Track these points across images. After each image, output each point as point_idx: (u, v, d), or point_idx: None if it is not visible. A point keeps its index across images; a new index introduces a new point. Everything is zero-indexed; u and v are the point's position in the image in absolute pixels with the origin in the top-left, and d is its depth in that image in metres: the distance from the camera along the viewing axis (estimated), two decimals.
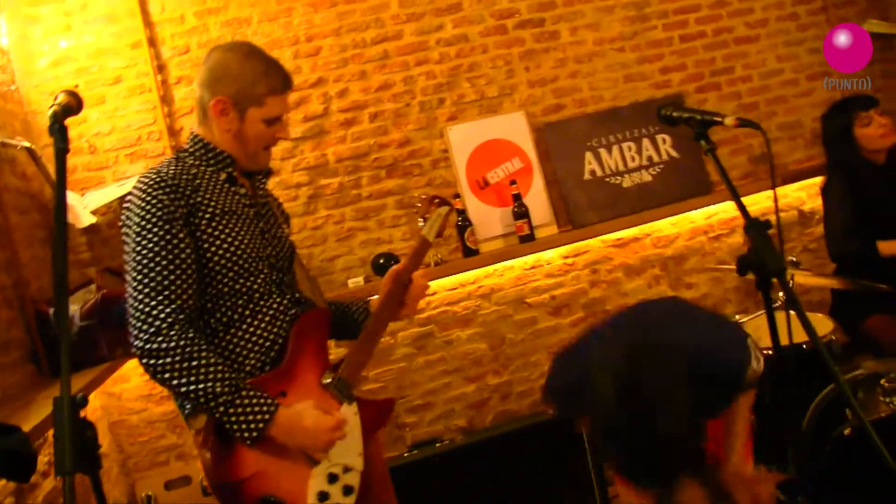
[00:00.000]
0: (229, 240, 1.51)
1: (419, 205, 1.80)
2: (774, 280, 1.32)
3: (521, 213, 2.82)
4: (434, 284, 2.84)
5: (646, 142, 2.99)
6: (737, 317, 2.52)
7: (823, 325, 2.37)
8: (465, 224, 2.81)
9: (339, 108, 2.80)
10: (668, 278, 3.06)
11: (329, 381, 1.59)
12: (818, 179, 2.84)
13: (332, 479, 1.53)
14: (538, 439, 2.65)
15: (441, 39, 2.89)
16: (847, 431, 1.96)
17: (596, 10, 3.03)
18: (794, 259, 2.52)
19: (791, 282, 2.34)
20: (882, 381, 2.07)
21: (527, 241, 2.82)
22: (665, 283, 3.03)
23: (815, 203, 3.05)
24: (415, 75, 2.86)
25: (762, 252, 1.29)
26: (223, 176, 1.59)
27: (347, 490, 1.55)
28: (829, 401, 2.10)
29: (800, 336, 2.20)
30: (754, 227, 1.30)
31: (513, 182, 2.84)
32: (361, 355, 1.65)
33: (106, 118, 2.66)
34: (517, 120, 2.93)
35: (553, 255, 2.96)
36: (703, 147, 1.41)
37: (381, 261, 2.72)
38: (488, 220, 2.86)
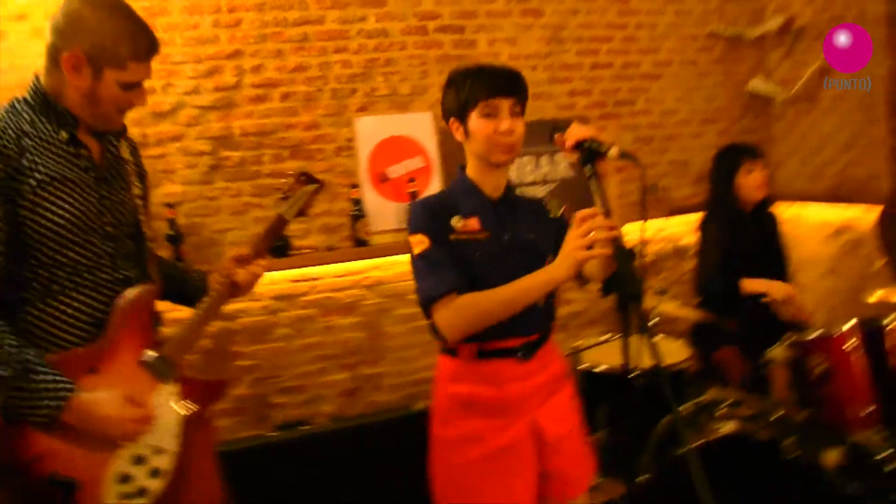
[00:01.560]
0: (54, 208, 1.67)
1: (284, 181, 2.13)
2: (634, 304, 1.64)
3: None
4: (321, 270, 3.60)
5: (545, 159, 3.89)
6: (604, 336, 3.39)
7: (681, 352, 3.21)
8: (359, 214, 3.57)
9: (251, 82, 3.48)
10: None
11: (148, 358, 1.80)
12: (698, 215, 3.79)
13: (139, 460, 1.74)
14: (405, 432, 3.42)
15: (362, 30, 3.65)
16: (681, 451, 2.77)
17: (515, 25, 3.90)
18: (664, 288, 3.41)
19: (656, 309, 3.21)
20: (718, 408, 2.95)
21: None
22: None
23: (692, 239, 4.02)
24: (331, 62, 3.59)
25: (624, 277, 1.62)
26: (64, 135, 1.74)
27: (154, 473, 1.76)
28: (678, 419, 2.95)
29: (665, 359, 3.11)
30: (621, 253, 1.65)
31: (411, 180, 3.63)
32: (190, 333, 1.87)
33: (6, 55, 3.20)
34: (425, 120, 3.73)
35: None
36: (587, 172, 1.80)
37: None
38: (383, 213, 3.65)
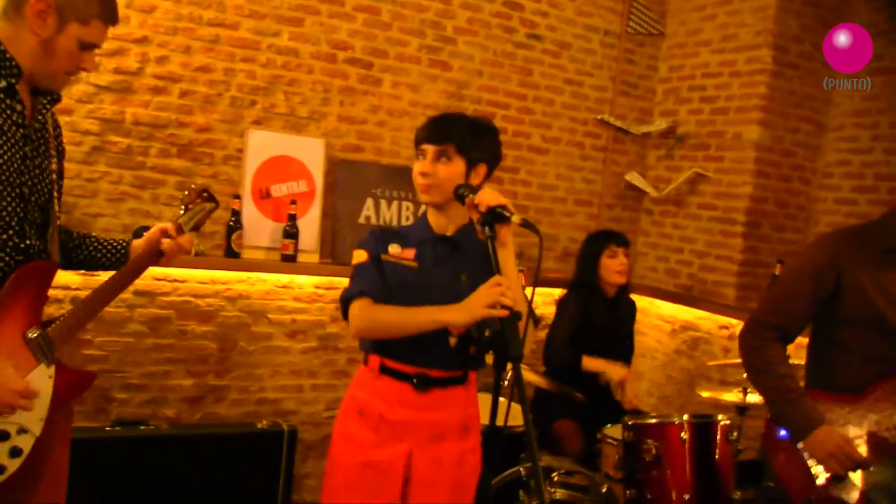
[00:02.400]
0: None
1: (186, 192, 2.46)
2: (509, 365, 1.89)
3: (292, 233, 4.08)
4: (186, 273, 3.98)
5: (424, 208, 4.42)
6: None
7: (520, 416, 3.73)
8: (235, 226, 3.99)
9: (153, 72, 3.86)
10: None
11: (33, 336, 1.97)
12: (556, 291, 4.43)
13: (2, 436, 1.90)
14: (241, 449, 3.84)
15: (273, 45, 4.11)
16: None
17: (421, 74, 4.49)
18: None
19: (509, 372, 3.46)
20: (553, 475, 3.47)
21: (288, 260, 4.08)
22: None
23: (547, 311, 4.67)
24: (237, 69, 4.03)
25: (507, 337, 1.82)
26: (2, 84, 1.91)
27: (15, 452, 1.93)
28: (511, 479, 3.41)
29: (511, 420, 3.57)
30: (510, 314, 1.89)
31: (293, 202, 4.08)
32: (78, 317, 2.09)
33: None
34: (316, 146, 4.22)
35: (306, 282, 4.26)
36: (486, 233, 2.06)
37: (144, 233, 3.73)
38: (259, 229, 4.09)
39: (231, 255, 3.98)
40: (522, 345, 1.89)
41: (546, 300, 4.79)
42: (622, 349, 4.25)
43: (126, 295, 3.80)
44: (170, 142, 3.91)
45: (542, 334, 4.59)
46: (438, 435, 2.37)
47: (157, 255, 2.31)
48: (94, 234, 2.47)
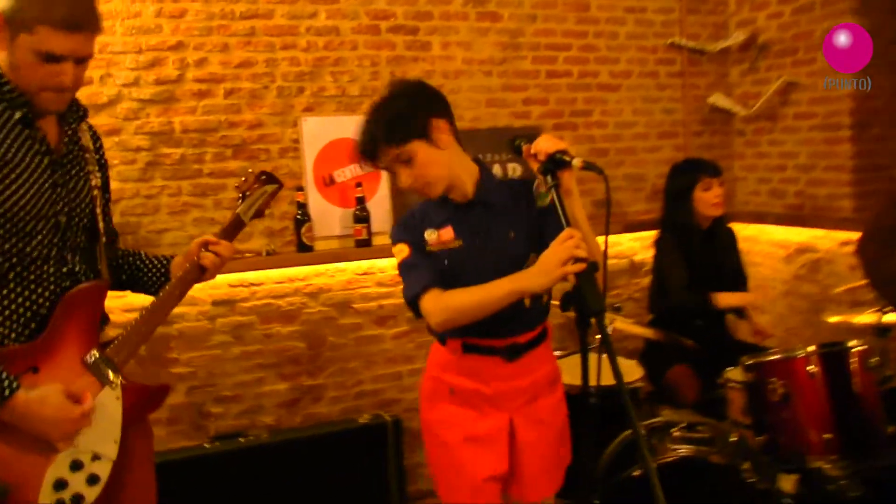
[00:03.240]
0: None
1: (244, 179, 2.38)
2: (593, 321, 1.81)
3: (362, 217, 3.98)
4: (262, 275, 3.93)
5: (496, 168, 4.28)
6: (557, 353, 3.74)
7: (633, 371, 3.52)
8: (303, 219, 3.91)
9: (194, 76, 3.81)
10: None
11: (93, 359, 1.96)
12: (652, 233, 4.21)
13: (76, 466, 1.89)
14: (344, 447, 3.78)
15: (312, 27, 4.00)
16: (636, 473, 3.12)
17: (471, 29, 4.31)
18: (618, 305, 3.76)
19: (610, 326, 3.41)
20: (673, 431, 3.27)
21: (363, 245, 3.98)
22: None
23: (646, 255, 4.46)
24: (278, 59, 3.94)
25: (585, 291, 1.78)
26: (18, 115, 1.89)
27: (92, 479, 1.92)
28: (627, 443, 3.28)
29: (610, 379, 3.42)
30: (585, 268, 1.83)
31: (359, 184, 3.99)
32: (137, 336, 2.05)
33: None
34: None
35: (387, 265, 4.15)
36: (548, 182, 1.98)
37: None
38: (328, 218, 4.00)
39: (304, 250, 3.92)
40: (603, 297, 1.84)
41: (643, 244, 4.57)
42: (735, 284, 4.03)
43: (205, 307, 3.82)
44: (223, 144, 3.87)
45: (645, 281, 4.39)
46: (533, 396, 2.39)
47: (199, 271, 2.20)
48: (151, 252, 2.41)
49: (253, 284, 3.93)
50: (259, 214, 2.36)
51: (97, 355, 1.97)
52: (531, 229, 2.27)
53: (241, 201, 2.32)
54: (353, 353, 4.12)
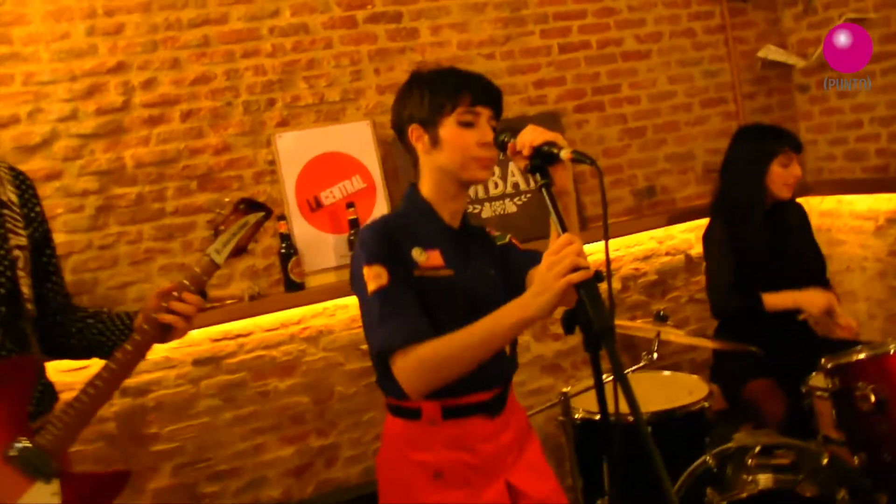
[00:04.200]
0: None
1: (217, 212, 2.12)
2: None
3: None
4: (249, 324, 3.50)
5: (512, 166, 3.77)
6: (566, 388, 3.20)
7: (697, 388, 3.14)
8: (289, 252, 3.47)
9: (142, 101, 3.40)
10: None
11: (16, 451, 1.77)
12: (705, 222, 3.70)
13: None
14: None
15: (275, 28, 3.57)
16: None
17: (463, 7, 3.83)
18: (663, 313, 3.27)
19: (656, 340, 3.12)
20: (747, 458, 2.81)
21: None
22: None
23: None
24: (240, 69, 3.52)
25: (589, 306, 1.61)
26: None
27: None
28: (698, 474, 2.83)
29: (676, 400, 3.00)
30: (588, 279, 1.66)
31: (350, 205, 3.53)
32: (76, 416, 1.84)
33: None
34: (362, 131, 3.64)
35: None
36: (537, 181, 1.83)
37: None
38: (319, 248, 3.56)
39: (294, 288, 3.49)
40: (611, 313, 1.61)
41: (700, 235, 3.99)
42: (811, 271, 3.59)
43: (184, 368, 3.43)
44: (185, 176, 3.46)
45: (703, 280, 3.88)
46: (521, 447, 2.18)
47: (160, 331, 1.96)
48: (109, 308, 2.20)
49: (240, 336, 3.51)
50: (239, 251, 2.07)
51: (24, 445, 1.77)
52: (503, 268, 2.16)
53: (214, 238, 2.05)
54: (366, 402, 3.66)
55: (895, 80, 3.94)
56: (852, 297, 4.38)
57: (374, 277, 1.93)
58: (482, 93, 2.01)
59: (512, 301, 1.80)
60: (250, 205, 2.09)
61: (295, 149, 3.57)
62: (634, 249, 4.08)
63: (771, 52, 4.29)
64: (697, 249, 4.12)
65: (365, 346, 3.62)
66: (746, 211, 3.45)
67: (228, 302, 3.42)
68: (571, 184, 1.91)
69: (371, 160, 3.64)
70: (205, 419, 3.44)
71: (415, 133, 2.03)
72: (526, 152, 1.83)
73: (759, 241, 3.45)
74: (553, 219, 1.76)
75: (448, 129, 1.99)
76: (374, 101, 3.70)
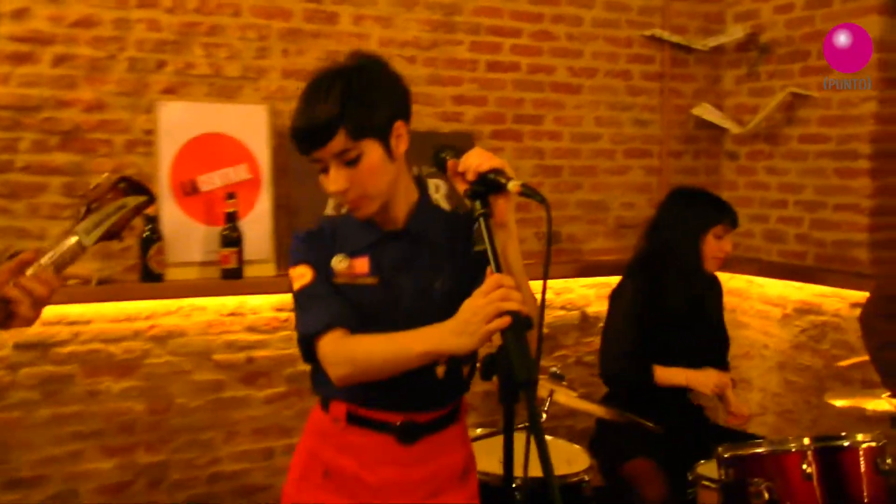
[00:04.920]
0: None
1: (94, 186, 2.10)
2: (521, 393, 1.73)
3: (233, 238, 3.70)
4: (90, 310, 3.62)
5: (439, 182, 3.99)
6: (478, 430, 3.50)
7: (579, 459, 3.35)
8: (152, 237, 3.61)
9: (9, 33, 3.47)
10: None
11: None
12: (612, 279, 4.02)
13: None
14: None
15: None
16: None
17: (393, 1, 4.08)
18: (558, 371, 3.55)
19: (548, 400, 3.35)
20: None
21: (232, 277, 3.70)
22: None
23: (602, 306, 4.24)
24: (132, 20, 3.65)
25: (512, 355, 1.69)
26: None
27: None
28: None
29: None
30: (514, 322, 1.74)
31: (230, 196, 3.71)
32: None
33: None
34: (257, 115, 3.83)
35: (262, 304, 3.89)
36: (476, 209, 1.90)
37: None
38: (187, 238, 3.71)
39: (150, 279, 3.63)
40: (535, 363, 1.74)
41: (600, 293, 4.40)
42: (713, 346, 3.94)
43: (3, 351, 3.49)
44: (46, 129, 3.56)
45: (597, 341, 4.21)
46: (434, 491, 2.27)
47: (2, 313, 1.87)
48: None
49: (77, 322, 3.63)
50: (111, 236, 2.05)
51: None
52: (462, 277, 2.14)
53: (83, 216, 2.00)
54: (209, 419, 3.83)
55: (826, 166, 4.35)
56: (747, 385, 4.75)
57: (299, 277, 2.16)
58: (305, 139, 2.08)
59: (433, 326, 1.95)
60: (132, 185, 2.08)
61: (178, 121, 3.71)
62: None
63: (706, 112, 4.71)
64: (595, 308, 4.46)
65: (217, 357, 3.83)
66: (671, 276, 3.73)
67: (71, 282, 3.51)
68: (512, 217, 2.00)
69: (261, 150, 3.83)
70: (16, 413, 3.52)
71: (399, 130, 2.13)
72: (470, 177, 1.92)
73: (672, 309, 3.72)
74: (489, 253, 1.85)
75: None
76: (276, 84, 3.89)
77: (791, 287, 4.61)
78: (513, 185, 1.86)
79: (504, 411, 1.79)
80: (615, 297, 3.86)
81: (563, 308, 4.46)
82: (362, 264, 2.18)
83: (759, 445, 2.95)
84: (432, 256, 2.22)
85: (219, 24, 3.79)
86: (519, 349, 1.70)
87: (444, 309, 2.04)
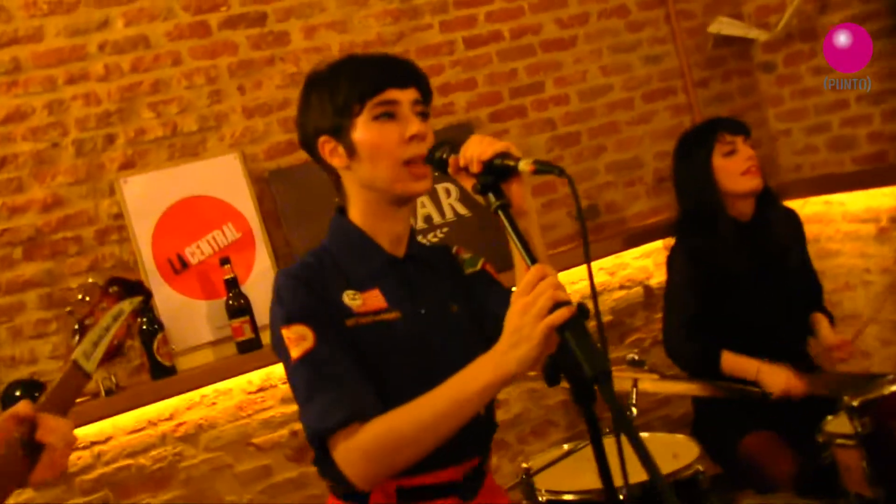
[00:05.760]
0: None
1: (82, 297, 2.38)
2: (597, 389, 1.71)
3: (240, 307, 3.93)
4: (106, 426, 3.84)
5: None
6: (565, 446, 3.63)
7: (683, 450, 3.32)
8: (152, 328, 3.83)
9: None
10: None
11: None
12: (670, 241, 4.11)
13: None
14: None
15: (107, 43, 3.98)
16: None
17: (342, 1, 4.33)
18: (637, 357, 3.51)
19: (634, 391, 3.39)
20: None
21: (250, 349, 3.92)
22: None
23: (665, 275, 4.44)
24: (66, 99, 3.91)
25: (577, 349, 1.69)
26: None
27: None
28: None
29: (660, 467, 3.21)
30: (573, 316, 1.75)
31: (225, 261, 3.95)
32: None
33: None
34: (229, 166, 4.10)
35: None
36: (492, 203, 1.94)
37: (19, 393, 3.54)
38: (190, 320, 3.97)
39: (162, 374, 3.85)
40: (604, 353, 1.72)
41: (658, 260, 4.63)
42: (795, 293, 3.99)
43: (23, 495, 3.66)
44: (6, 242, 3.82)
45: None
46: None
47: (25, 460, 1.80)
48: None
49: (96, 443, 3.85)
50: (114, 353, 2.14)
51: None
52: (470, 302, 2.31)
53: (79, 336, 2.17)
54: None
55: (883, 47, 4.43)
56: (855, 321, 4.70)
57: (297, 340, 2.07)
58: (393, 72, 2.15)
59: (480, 357, 1.91)
60: (125, 287, 2.20)
61: (146, 196, 3.96)
62: (580, 286, 4.45)
63: (725, 26, 4.87)
64: (658, 278, 4.67)
65: (257, 440, 4.07)
66: (709, 227, 3.83)
67: (78, 401, 3.66)
68: (531, 201, 2.07)
69: (244, 202, 4.08)
70: None
71: (326, 146, 2.19)
72: (474, 168, 1.96)
73: (733, 264, 3.81)
74: (517, 247, 1.88)
75: (363, 130, 2.13)
76: (240, 126, 4.15)
77: (878, 195, 4.66)
78: (524, 165, 1.90)
79: (584, 415, 1.81)
80: (669, 263, 4.01)
81: (622, 287, 4.67)
82: (376, 298, 2.20)
83: (890, 383, 2.99)
84: (437, 281, 2.32)
85: (161, 79, 4.05)
86: (583, 341, 1.69)
87: (471, 331, 2.21)
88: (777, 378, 3.58)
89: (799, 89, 4.95)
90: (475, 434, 2.21)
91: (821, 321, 3.94)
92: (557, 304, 1.74)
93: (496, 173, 1.97)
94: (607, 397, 1.64)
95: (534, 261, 1.84)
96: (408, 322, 2.21)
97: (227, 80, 4.17)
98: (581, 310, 1.75)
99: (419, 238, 2.50)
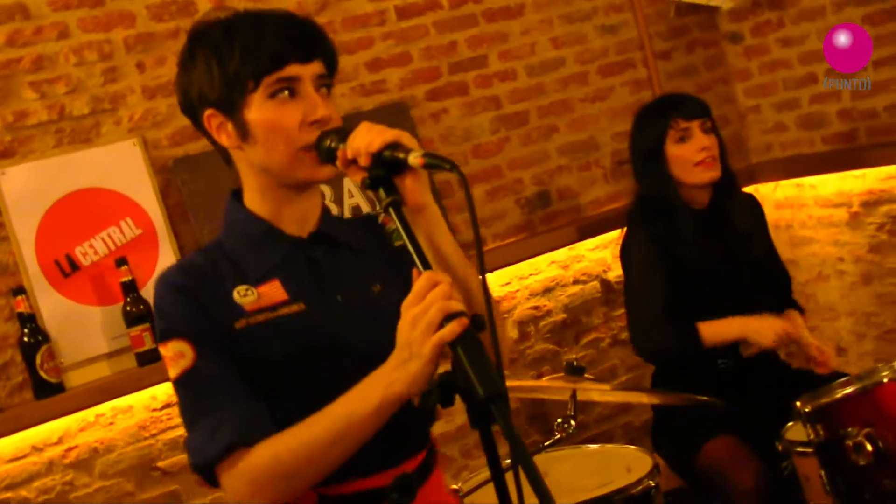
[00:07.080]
0: None
1: None
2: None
3: (139, 313, 3.51)
4: None
5: (349, 182, 3.85)
6: (507, 461, 3.28)
7: (636, 463, 3.20)
8: (36, 340, 3.40)
9: None
10: None
11: None
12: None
13: None
14: None
15: None
16: None
17: None
18: (576, 363, 3.38)
19: (571, 403, 3.24)
20: None
21: (151, 360, 3.49)
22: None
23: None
24: None
25: (469, 367, 1.64)
26: None
27: None
28: None
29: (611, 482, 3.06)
30: (465, 329, 1.69)
31: (122, 262, 3.51)
32: None
33: None
34: (127, 154, 3.65)
35: None
36: (382, 199, 1.85)
37: None
38: (82, 329, 3.54)
39: (48, 392, 3.45)
40: (499, 372, 1.63)
41: (617, 252, 4.14)
42: (762, 284, 3.77)
43: None
44: None
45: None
46: None
47: None
48: None
49: None
50: None
51: None
52: (399, 279, 2.07)
53: None
54: None
55: (853, 14, 4.20)
56: (830, 312, 4.62)
57: (175, 358, 1.95)
58: (296, 42, 1.98)
59: (372, 374, 1.83)
60: None
61: (28, 189, 3.54)
62: (531, 281, 4.23)
63: None
64: (616, 272, 4.28)
65: (163, 463, 3.66)
66: (666, 216, 3.61)
67: None
68: (429, 197, 1.93)
69: (146, 194, 3.66)
70: None
71: (213, 121, 2.03)
72: (362, 161, 1.83)
73: (694, 255, 3.60)
74: (409, 249, 1.79)
75: (257, 110, 1.98)
76: (140, 109, 3.71)
77: (850, 178, 4.49)
78: (413, 158, 1.77)
79: (482, 437, 1.67)
80: (624, 254, 3.75)
81: (576, 282, 4.33)
82: (275, 291, 2.05)
83: (843, 386, 2.81)
84: (358, 261, 2.17)
85: (45, 54, 3.60)
86: (476, 358, 1.61)
87: (398, 316, 1.93)
88: (765, 328, 3.49)
89: (767, 62, 4.73)
90: (400, 432, 2.02)
91: (795, 319, 3.73)
92: (449, 317, 1.67)
93: (386, 166, 1.84)
94: (502, 423, 1.56)
95: (425, 265, 1.77)
96: (314, 314, 2.06)
97: (124, 55, 3.73)
98: (475, 322, 1.68)
99: None
